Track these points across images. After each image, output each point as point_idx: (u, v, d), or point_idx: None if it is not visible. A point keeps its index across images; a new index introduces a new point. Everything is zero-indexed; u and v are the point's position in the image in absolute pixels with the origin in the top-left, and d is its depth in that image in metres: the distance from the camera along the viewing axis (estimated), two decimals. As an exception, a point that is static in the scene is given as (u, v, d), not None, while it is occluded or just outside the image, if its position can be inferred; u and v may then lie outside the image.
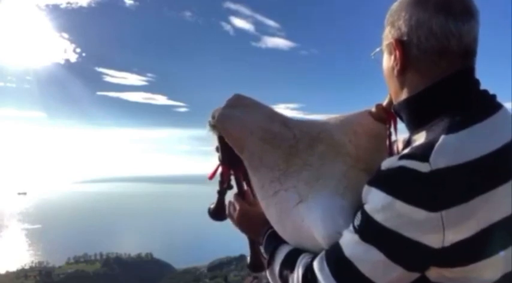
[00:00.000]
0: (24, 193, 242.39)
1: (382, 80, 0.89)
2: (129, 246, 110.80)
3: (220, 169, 1.15)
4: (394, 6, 0.84)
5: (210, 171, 1.18)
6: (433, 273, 0.72)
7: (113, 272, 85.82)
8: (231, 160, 1.09)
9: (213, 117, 1.02)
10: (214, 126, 1.03)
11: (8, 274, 79.94)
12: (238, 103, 1.02)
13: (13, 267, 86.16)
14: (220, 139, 1.05)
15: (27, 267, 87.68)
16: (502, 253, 0.71)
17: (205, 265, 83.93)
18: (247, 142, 0.98)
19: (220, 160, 1.13)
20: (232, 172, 1.15)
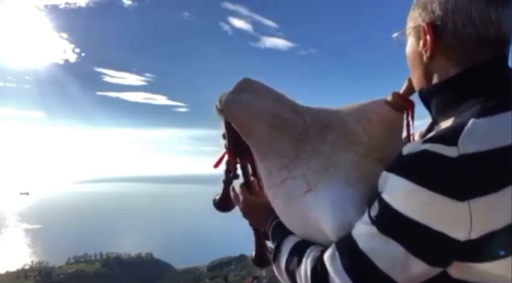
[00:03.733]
0: (27, 193, 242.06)
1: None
2: (129, 246, 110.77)
3: (226, 157, 1.10)
4: None
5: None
6: (455, 269, 0.66)
7: (112, 272, 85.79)
8: (237, 148, 1.04)
9: (220, 101, 0.97)
10: (221, 111, 0.98)
11: (8, 274, 79.88)
12: (246, 87, 0.98)
13: (13, 267, 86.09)
14: (227, 125, 1.00)
15: (27, 267, 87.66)
16: None
17: (205, 265, 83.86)
18: (255, 128, 0.95)
19: (226, 148, 1.08)
20: (238, 160, 1.11)
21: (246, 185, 1.12)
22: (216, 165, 1.12)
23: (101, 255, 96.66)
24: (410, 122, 0.88)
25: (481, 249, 0.62)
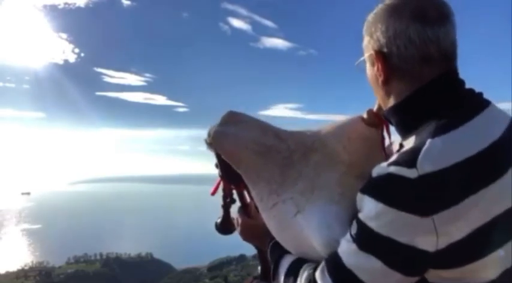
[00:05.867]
0: (28, 193, 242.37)
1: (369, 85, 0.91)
2: (129, 246, 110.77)
3: (221, 184, 1.17)
4: (370, 17, 0.84)
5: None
6: (431, 275, 0.73)
7: (113, 272, 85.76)
8: (231, 176, 1.10)
9: (209, 135, 1.04)
10: (210, 144, 1.05)
11: (8, 274, 79.90)
12: (231, 119, 1.04)
13: (13, 267, 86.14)
14: (218, 155, 1.07)
15: (27, 267, 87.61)
16: (499, 251, 0.72)
17: (205, 265, 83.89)
18: (243, 157, 1.00)
19: (220, 176, 1.15)
20: (233, 187, 1.17)
21: (243, 209, 1.18)
22: (213, 192, 1.19)
23: (101, 255, 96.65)
24: (386, 137, 0.95)
25: (450, 256, 0.70)
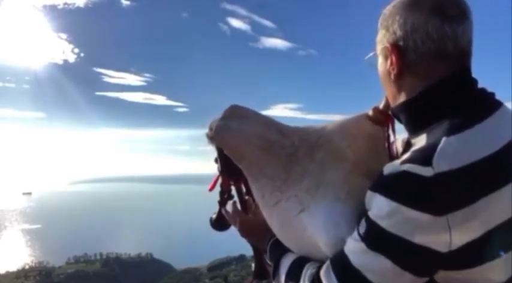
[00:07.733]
0: (29, 193, 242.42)
1: (380, 80, 0.89)
2: (129, 246, 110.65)
3: (220, 180, 1.15)
4: (387, 10, 0.82)
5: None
6: (440, 275, 0.71)
7: (113, 272, 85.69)
8: (230, 171, 1.08)
9: (211, 129, 1.02)
10: (212, 138, 1.03)
11: (8, 274, 79.79)
12: (234, 114, 1.02)
13: (13, 267, 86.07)
14: (219, 150, 1.05)
15: (27, 267, 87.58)
16: (510, 254, 0.70)
17: (205, 265, 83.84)
18: (246, 153, 0.98)
19: (219, 171, 1.13)
20: (232, 182, 1.15)
21: (242, 205, 1.16)
22: (211, 188, 1.17)
23: (101, 255, 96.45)
24: (391, 135, 0.93)
25: (462, 257, 0.68)
